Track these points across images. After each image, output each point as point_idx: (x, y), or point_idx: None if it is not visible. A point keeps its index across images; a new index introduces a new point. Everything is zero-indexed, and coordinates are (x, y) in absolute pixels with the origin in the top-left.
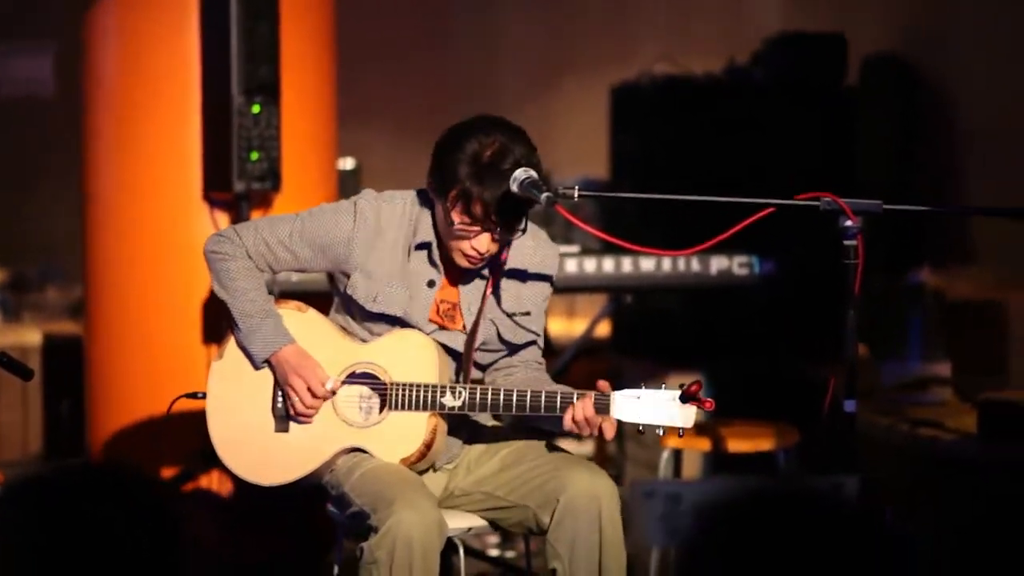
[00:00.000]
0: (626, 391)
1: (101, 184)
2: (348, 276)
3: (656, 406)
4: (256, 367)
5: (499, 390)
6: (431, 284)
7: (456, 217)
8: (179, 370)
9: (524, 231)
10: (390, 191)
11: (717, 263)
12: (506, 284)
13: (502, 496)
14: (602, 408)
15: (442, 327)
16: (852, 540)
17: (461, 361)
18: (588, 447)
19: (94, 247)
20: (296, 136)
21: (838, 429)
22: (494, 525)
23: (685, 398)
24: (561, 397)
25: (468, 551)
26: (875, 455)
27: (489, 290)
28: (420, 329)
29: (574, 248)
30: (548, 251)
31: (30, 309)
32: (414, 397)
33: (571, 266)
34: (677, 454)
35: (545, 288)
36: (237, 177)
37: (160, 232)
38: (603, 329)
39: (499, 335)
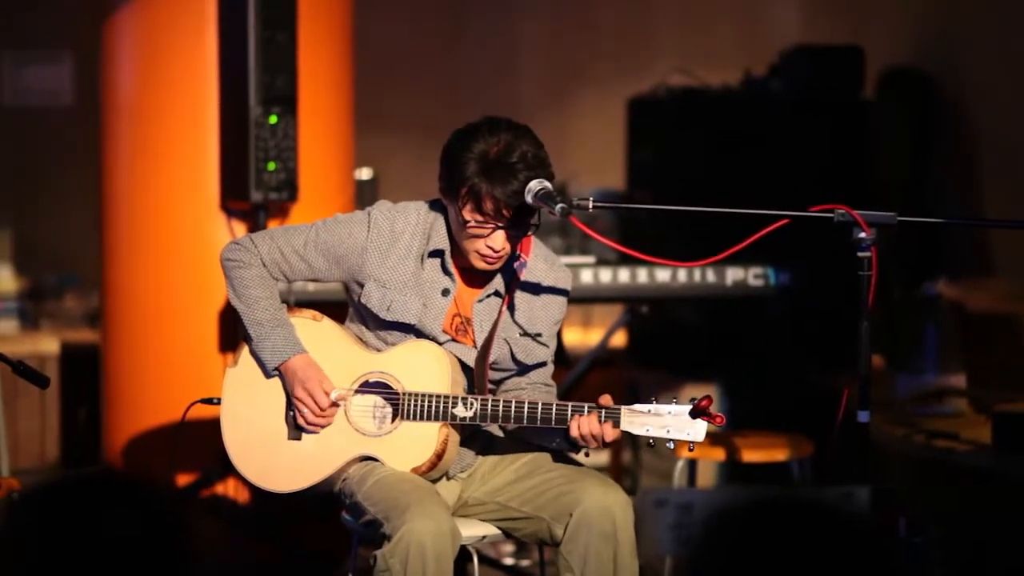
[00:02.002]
0: (637, 405)
1: (119, 193)
2: (362, 285)
3: (666, 420)
4: (267, 375)
5: (511, 402)
6: (445, 293)
7: (468, 215)
8: (195, 378)
9: (538, 226)
10: (404, 202)
11: (733, 274)
12: (520, 305)
13: (515, 507)
14: (613, 422)
15: (455, 340)
16: (865, 550)
17: (472, 376)
18: (603, 457)
19: (112, 256)
20: (313, 146)
21: (852, 440)
22: (508, 534)
23: (696, 413)
24: (572, 409)
25: (483, 559)
26: (890, 466)
27: (504, 309)
28: (434, 338)
29: (590, 259)
30: (561, 273)
31: (48, 317)
32: (426, 407)
33: (587, 277)
34: (692, 464)
35: (558, 311)
36: (254, 187)
37: (177, 241)
38: (619, 340)
39: (512, 355)
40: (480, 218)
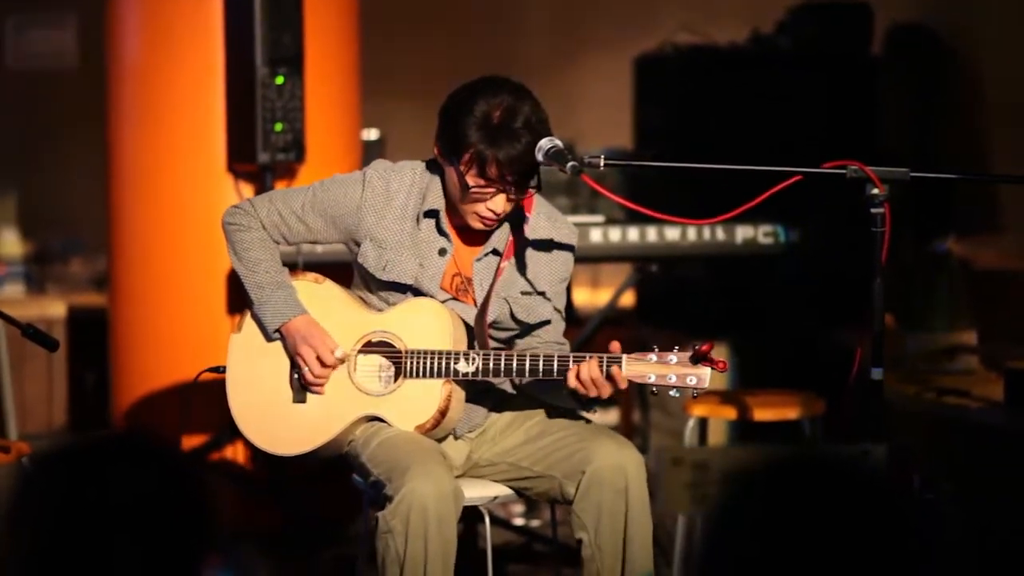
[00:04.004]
0: (637, 353)
1: (125, 156)
2: (359, 245)
3: (669, 368)
4: (268, 338)
5: (512, 355)
6: (442, 252)
7: (471, 180)
8: (203, 341)
9: (539, 188)
10: (402, 162)
11: (742, 232)
12: (521, 262)
13: (527, 467)
14: (617, 367)
15: (455, 299)
16: (880, 507)
17: (473, 335)
18: (613, 416)
19: (118, 219)
20: (320, 107)
21: (865, 397)
22: (519, 493)
23: (696, 358)
24: (574, 360)
25: (493, 520)
26: (902, 424)
27: (503, 267)
28: (433, 298)
29: (599, 218)
30: (566, 230)
31: (54, 281)
32: (428, 364)
33: (596, 236)
34: (703, 423)
35: (564, 268)
36: (261, 148)
37: (184, 204)
38: (628, 299)
39: (512, 314)
40: (483, 182)
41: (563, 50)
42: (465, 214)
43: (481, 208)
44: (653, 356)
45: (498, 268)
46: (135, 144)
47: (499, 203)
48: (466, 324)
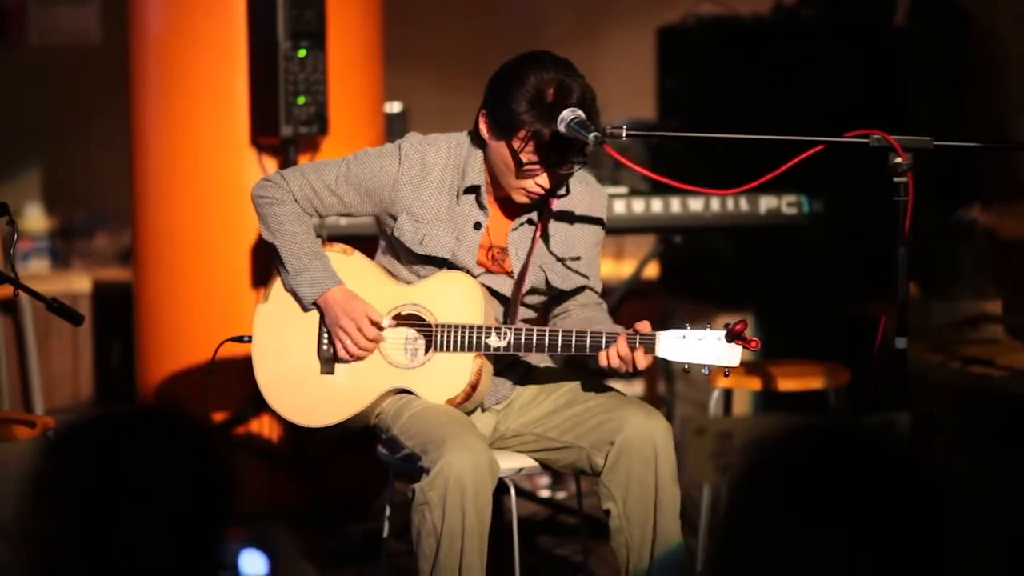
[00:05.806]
0: (671, 331)
1: (148, 131)
2: (395, 218)
3: (701, 345)
4: (305, 309)
5: (544, 330)
6: (477, 226)
7: (526, 157)
8: (228, 315)
9: (585, 163)
10: (434, 134)
11: (766, 202)
12: (555, 229)
13: (555, 437)
14: (648, 348)
15: (490, 271)
16: (903, 477)
17: (508, 305)
18: (638, 387)
19: (142, 193)
20: (343, 80)
21: (889, 367)
22: (545, 466)
23: (731, 337)
24: (606, 338)
25: (519, 492)
26: (926, 393)
27: (538, 235)
28: (468, 271)
29: (622, 189)
30: (597, 195)
31: (79, 256)
32: (459, 338)
33: (619, 207)
34: (727, 393)
35: (596, 232)
36: (284, 122)
37: (208, 177)
38: (652, 270)
39: (547, 281)
40: (536, 158)
41: (586, 21)
42: (511, 189)
43: (530, 184)
44: (685, 333)
45: (534, 237)
46: (158, 119)
47: (548, 178)
48: (499, 295)
